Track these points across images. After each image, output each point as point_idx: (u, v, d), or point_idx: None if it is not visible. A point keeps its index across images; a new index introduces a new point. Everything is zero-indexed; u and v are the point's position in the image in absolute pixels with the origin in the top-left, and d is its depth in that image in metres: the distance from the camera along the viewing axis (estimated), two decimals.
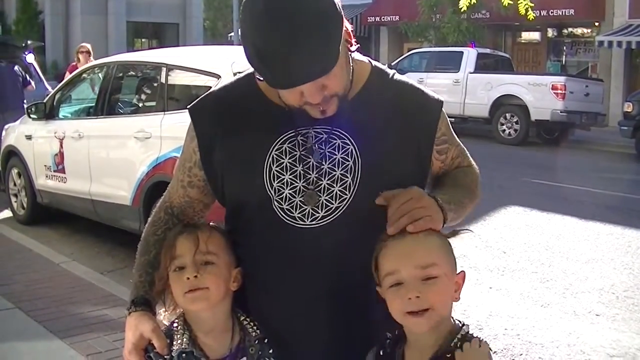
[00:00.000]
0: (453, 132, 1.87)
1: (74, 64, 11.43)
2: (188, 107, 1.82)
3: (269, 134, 1.68)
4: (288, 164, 1.66)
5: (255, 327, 1.74)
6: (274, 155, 1.67)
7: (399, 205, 1.57)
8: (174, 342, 1.70)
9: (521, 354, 4.62)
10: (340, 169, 1.65)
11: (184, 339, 1.70)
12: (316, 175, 1.65)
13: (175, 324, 1.74)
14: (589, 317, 5.33)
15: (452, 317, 1.62)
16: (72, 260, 6.29)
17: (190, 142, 1.79)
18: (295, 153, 1.67)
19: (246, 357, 1.71)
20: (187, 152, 1.80)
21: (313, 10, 1.47)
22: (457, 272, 1.61)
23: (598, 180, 11.96)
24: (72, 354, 4.24)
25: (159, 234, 1.82)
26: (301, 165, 1.66)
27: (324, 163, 1.66)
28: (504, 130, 17.27)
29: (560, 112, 16.43)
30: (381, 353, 1.66)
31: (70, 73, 9.89)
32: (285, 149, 1.67)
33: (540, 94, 16.71)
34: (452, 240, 1.63)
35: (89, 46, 11.43)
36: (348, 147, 1.67)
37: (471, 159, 1.95)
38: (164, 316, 1.78)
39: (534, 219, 8.63)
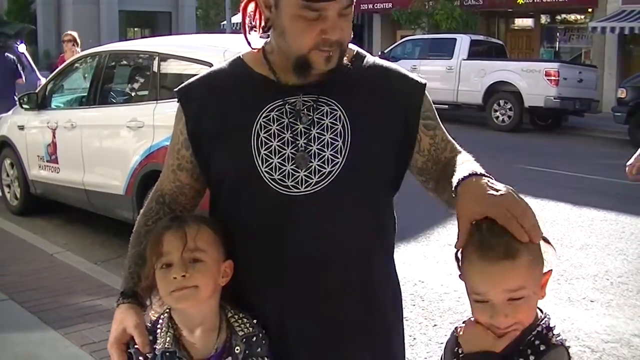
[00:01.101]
0: (437, 116, 1.86)
1: (63, 55, 11.14)
2: (175, 89, 1.82)
3: (257, 103, 1.70)
4: (276, 131, 1.67)
5: (243, 326, 1.67)
6: (262, 123, 1.67)
7: (512, 218, 1.46)
8: (158, 341, 1.65)
9: None
10: (329, 133, 1.66)
11: (168, 338, 1.64)
12: (305, 141, 1.66)
13: (160, 321, 1.69)
14: (583, 303, 5.34)
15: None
16: (66, 251, 6.27)
17: (177, 123, 1.80)
18: (283, 120, 1.67)
19: (231, 357, 1.65)
20: (175, 135, 1.81)
21: None
22: (545, 271, 1.57)
23: (591, 166, 11.98)
24: (66, 344, 4.23)
25: (150, 224, 1.79)
26: (289, 132, 1.66)
27: (312, 128, 1.66)
28: (498, 116, 17.26)
29: (554, 98, 16.43)
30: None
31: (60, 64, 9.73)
32: (273, 116, 1.68)
33: (534, 80, 16.70)
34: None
35: (74, 34, 10.95)
36: (336, 112, 1.68)
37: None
38: (153, 310, 1.74)
39: None
